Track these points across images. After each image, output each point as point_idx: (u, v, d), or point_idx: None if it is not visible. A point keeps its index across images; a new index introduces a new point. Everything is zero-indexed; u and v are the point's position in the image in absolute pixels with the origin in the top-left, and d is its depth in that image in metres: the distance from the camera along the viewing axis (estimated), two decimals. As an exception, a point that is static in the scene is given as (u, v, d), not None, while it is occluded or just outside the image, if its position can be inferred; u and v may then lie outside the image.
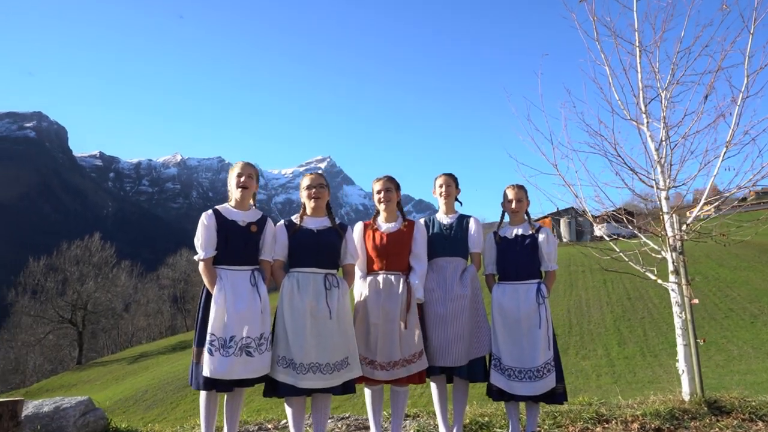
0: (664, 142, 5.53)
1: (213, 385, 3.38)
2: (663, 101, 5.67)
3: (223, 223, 3.57)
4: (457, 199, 4.34)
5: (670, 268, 5.29)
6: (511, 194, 4.16)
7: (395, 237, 3.98)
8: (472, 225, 4.16)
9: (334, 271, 3.72)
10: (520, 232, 4.09)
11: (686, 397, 4.98)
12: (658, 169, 5.49)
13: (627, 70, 5.65)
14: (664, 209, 5.43)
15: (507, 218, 4.38)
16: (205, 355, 3.34)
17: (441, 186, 4.24)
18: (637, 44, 5.74)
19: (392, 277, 3.91)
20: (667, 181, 5.43)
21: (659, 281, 5.36)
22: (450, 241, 4.10)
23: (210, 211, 3.61)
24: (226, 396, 3.57)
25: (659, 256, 5.50)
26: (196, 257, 3.52)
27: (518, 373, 3.80)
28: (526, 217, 4.20)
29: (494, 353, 3.93)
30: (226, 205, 3.71)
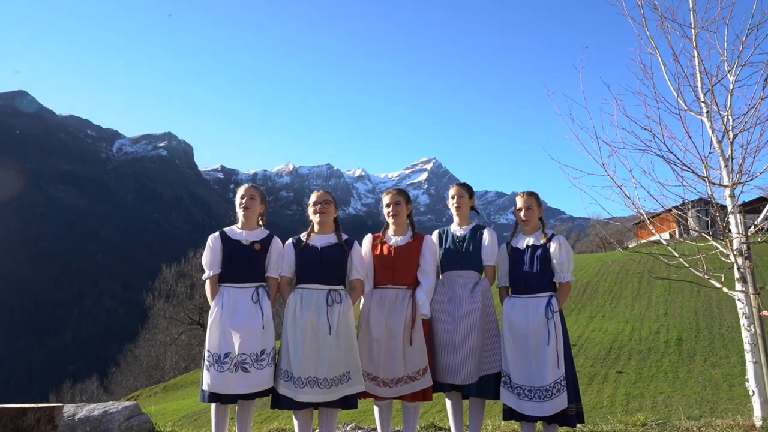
0: (728, 133, 4.92)
1: (217, 397, 3.58)
2: (730, 86, 5.06)
3: (227, 243, 3.79)
4: (473, 209, 4.22)
5: (736, 275, 4.70)
6: (519, 202, 3.95)
7: (403, 251, 3.95)
8: (485, 236, 4.00)
9: (338, 287, 3.77)
10: (531, 242, 3.87)
11: (758, 422, 4.39)
12: (722, 163, 4.90)
13: (678, 56, 5.11)
14: (730, 208, 4.83)
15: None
16: (203, 369, 3.56)
17: (453, 197, 4.14)
18: (693, 25, 5.17)
19: (398, 292, 3.88)
20: (731, 175, 4.83)
21: (725, 290, 4.78)
22: (462, 254, 3.99)
23: (216, 233, 3.85)
24: (237, 407, 3.77)
25: (729, 260, 4.90)
26: (203, 276, 3.78)
27: (528, 392, 3.58)
28: (540, 226, 3.97)
29: (504, 370, 3.75)
30: (233, 226, 3.94)
